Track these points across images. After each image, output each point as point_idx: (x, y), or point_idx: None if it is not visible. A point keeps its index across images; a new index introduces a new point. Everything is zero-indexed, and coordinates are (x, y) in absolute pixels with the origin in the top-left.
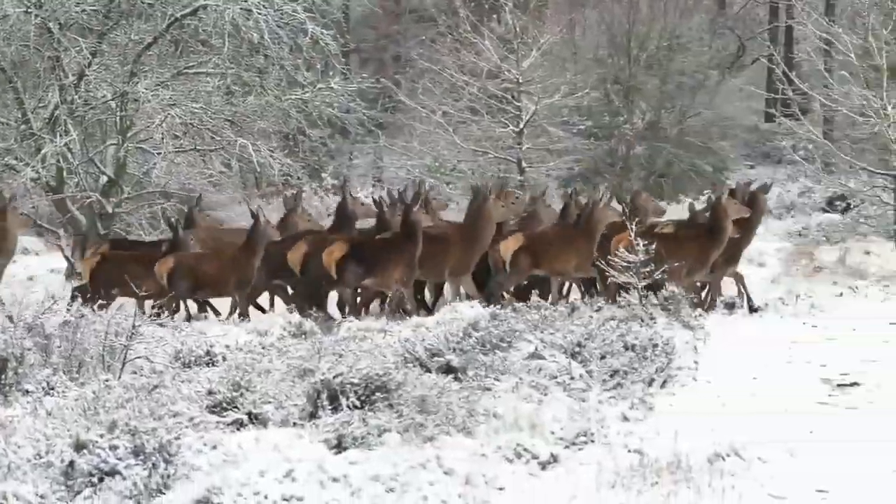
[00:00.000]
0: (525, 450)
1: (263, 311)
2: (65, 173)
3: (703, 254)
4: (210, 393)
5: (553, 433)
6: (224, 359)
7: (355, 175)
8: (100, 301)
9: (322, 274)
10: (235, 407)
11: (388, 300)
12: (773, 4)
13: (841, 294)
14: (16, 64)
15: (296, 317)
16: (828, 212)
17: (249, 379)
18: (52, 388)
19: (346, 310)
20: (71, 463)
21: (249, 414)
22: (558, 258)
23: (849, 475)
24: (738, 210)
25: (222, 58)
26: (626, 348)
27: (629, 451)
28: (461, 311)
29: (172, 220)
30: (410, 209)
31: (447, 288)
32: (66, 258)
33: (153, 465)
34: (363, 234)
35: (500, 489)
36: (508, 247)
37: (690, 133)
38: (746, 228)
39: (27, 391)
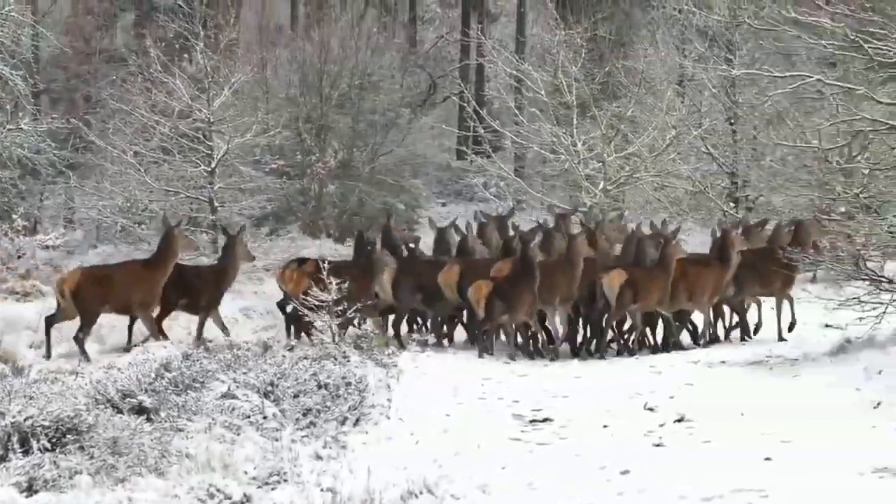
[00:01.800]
0: (218, 490)
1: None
2: None
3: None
4: None
5: (246, 473)
6: None
7: (46, 216)
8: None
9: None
10: None
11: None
12: (464, 42)
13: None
14: None
15: None
16: None
17: None
18: None
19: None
20: None
21: None
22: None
23: None
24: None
25: None
26: (320, 387)
27: (322, 489)
28: (154, 352)
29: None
30: (669, 243)
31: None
32: None
33: None
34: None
35: None
36: (613, 282)
37: (383, 171)
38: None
39: None
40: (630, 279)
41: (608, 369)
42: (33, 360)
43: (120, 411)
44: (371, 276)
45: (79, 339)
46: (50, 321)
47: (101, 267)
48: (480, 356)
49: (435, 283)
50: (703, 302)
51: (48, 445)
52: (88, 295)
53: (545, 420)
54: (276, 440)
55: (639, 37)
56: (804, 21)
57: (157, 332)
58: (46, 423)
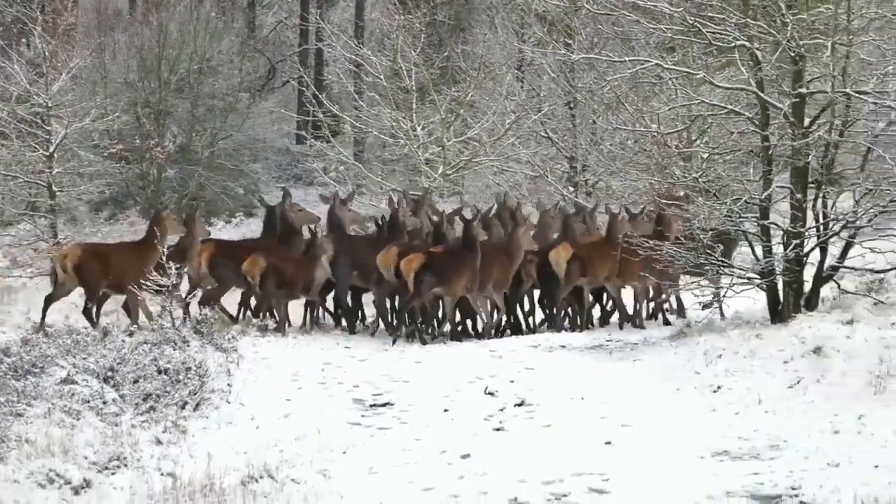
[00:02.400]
0: (58, 475)
1: (234, 319)
2: None
3: None
4: None
5: (86, 458)
6: None
7: None
8: None
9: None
10: None
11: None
12: (303, 27)
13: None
14: None
15: None
16: None
17: None
18: None
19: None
20: None
21: None
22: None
23: (383, 495)
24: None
25: None
26: (160, 372)
27: (163, 474)
28: None
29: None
30: (615, 217)
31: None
32: None
33: None
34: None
35: None
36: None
37: (222, 156)
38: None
39: None
40: (577, 254)
41: (449, 353)
42: None
43: None
44: (314, 260)
45: (88, 311)
46: (49, 300)
47: (99, 244)
48: (394, 342)
49: (372, 262)
50: (599, 282)
51: None
52: (91, 270)
53: (386, 405)
54: (116, 425)
55: (478, 21)
56: (643, 5)
57: (140, 314)
58: None
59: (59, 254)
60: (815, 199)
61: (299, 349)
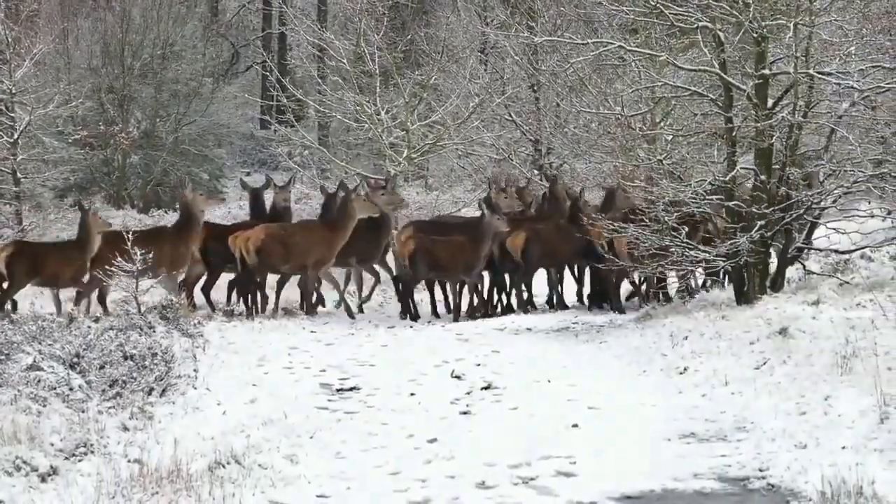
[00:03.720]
0: (24, 462)
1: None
2: None
3: None
4: None
5: (53, 445)
6: None
7: None
8: None
9: None
10: None
11: None
12: (266, 11)
13: (337, 300)
14: None
15: None
16: None
17: None
18: None
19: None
20: None
21: None
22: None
23: (350, 479)
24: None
25: None
26: (126, 358)
27: (129, 461)
28: None
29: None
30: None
31: None
32: None
33: None
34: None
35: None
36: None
37: (186, 141)
38: None
39: None
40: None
41: (415, 337)
42: None
43: None
44: (481, 239)
45: (260, 293)
46: (233, 285)
47: (284, 226)
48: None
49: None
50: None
51: None
52: (272, 253)
53: (352, 389)
54: (83, 412)
55: (440, 4)
56: None
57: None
58: None
59: (242, 237)
60: (780, 181)
61: (265, 334)
